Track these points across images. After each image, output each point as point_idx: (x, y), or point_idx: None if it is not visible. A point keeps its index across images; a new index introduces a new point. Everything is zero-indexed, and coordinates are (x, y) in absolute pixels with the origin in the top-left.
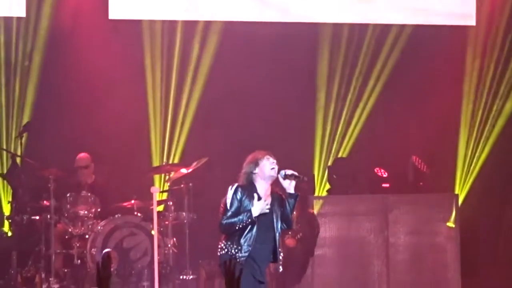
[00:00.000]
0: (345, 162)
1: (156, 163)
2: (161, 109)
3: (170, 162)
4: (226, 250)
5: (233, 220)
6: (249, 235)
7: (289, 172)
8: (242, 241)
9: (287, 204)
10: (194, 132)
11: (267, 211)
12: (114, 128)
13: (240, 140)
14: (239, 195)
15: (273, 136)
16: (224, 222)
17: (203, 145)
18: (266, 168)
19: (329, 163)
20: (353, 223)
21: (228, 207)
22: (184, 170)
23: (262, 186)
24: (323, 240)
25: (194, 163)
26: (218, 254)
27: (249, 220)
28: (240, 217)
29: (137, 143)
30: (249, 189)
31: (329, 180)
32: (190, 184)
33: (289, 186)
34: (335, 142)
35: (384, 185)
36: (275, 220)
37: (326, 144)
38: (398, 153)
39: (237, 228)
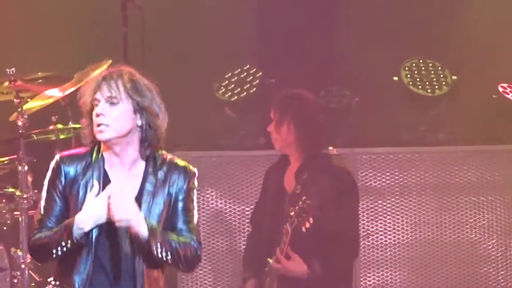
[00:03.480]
0: None
1: None
2: None
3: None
4: None
5: (44, 235)
6: (82, 265)
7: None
8: (74, 277)
9: (180, 198)
10: None
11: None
12: None
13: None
14: (62, 173)
15: None
16: (33, 237)
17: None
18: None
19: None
20: (447, 211)
21: (42, 204)
22: (55, 92)
23: (117, 156)
24: (382, 247)
25: (85, 70)
26: None
27: (71, 240)
28: (56, 230)
29: None
30: (95, 164)
31: None
32: (71, 125)
33: None
34: None
35: None
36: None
37: None
38: None
39: (54, 254)
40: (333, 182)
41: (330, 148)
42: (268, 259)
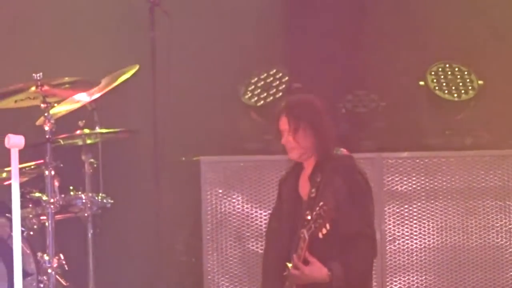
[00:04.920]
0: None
1: (17, 78)
2: None
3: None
4: None
5: None
6: None
7: None
8: None
9: None
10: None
11: None
12: None
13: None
14: None
15: None
16: None
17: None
18: None
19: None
20: (473, 215)
21: None
22: (82, 97)
23: None
24: (408, 252)
25: (105, 80)
26: None
27: None
28: None
29: None
30: None
31: None
32: (98, 130)
33: None
34: None
35: None
36: None
37: None
38: None
39: None
40: (345, 182)
41: (341, 149)
42: (287, 263)
